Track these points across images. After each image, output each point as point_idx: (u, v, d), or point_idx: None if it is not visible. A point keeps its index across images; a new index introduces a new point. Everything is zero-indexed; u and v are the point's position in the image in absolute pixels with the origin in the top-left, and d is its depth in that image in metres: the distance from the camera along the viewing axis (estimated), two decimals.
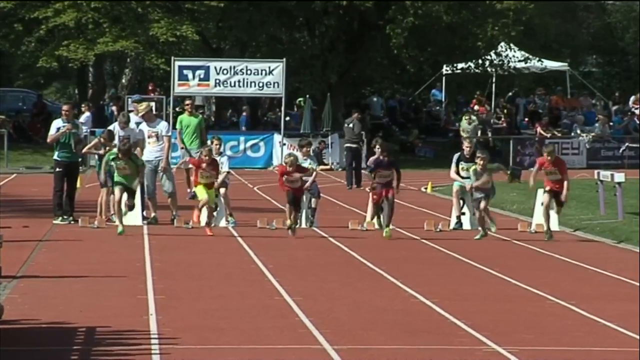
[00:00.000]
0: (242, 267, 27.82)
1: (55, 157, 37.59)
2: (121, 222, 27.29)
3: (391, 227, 30.37)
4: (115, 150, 28.40)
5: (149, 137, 36.39)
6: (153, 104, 48.61)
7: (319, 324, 17.84)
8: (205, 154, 29.09)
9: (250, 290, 23.30)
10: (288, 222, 29.81)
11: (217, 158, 36.24)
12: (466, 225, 36.55)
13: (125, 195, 28.15)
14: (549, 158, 31.90)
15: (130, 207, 28.22)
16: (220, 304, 20.89)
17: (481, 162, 31.26)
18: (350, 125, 60.19)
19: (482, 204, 31.24)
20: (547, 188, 31.80)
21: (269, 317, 19.07)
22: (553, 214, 32.83)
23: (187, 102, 45.18)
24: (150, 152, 36.00)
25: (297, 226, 31.16)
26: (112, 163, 27.55)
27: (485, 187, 31.47)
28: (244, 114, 79.07)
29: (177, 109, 63.83)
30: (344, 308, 20.47)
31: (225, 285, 23.82)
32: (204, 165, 29.28)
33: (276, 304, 20.31)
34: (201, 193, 28.86)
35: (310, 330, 17.64)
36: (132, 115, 41.92)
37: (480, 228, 31.56)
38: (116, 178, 27.79)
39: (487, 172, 31.74)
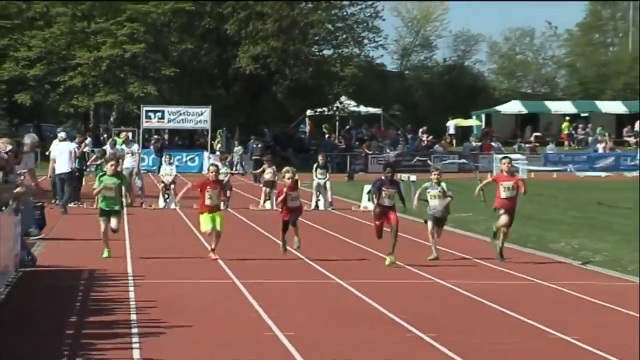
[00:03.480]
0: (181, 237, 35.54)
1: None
2: (108, 247, 27.11)
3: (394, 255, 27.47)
4: (106, 167, 27.93)
5: (127, 153, 48.49)
6: (130, 133, 61.76)
7: None
8: (212, 171, 27.89)
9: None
10: (282, 243, 28.81)
11: (169, 167, 48.89)
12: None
13: (112, 222, 27.34)
14: (507, 170, 29.36)
15: (115, 230, 27.56)
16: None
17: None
18: (254, 145, 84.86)
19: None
20: (502, 211, 29.07)
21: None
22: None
23: (123, 133, 56.99)
24: (128, 162, 47.24)
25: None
26: (102, 179, 26.82)
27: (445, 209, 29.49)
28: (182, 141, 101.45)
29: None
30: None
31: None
32: (210, 181, 27.69)
33: None
34: (205, 223, 27.12)
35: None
36: (117, 139, 56.28)
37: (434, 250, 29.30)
38: (101, 205, 27.20)
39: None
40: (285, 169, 27.61)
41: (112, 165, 24.98)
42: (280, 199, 28.32)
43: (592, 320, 20.55)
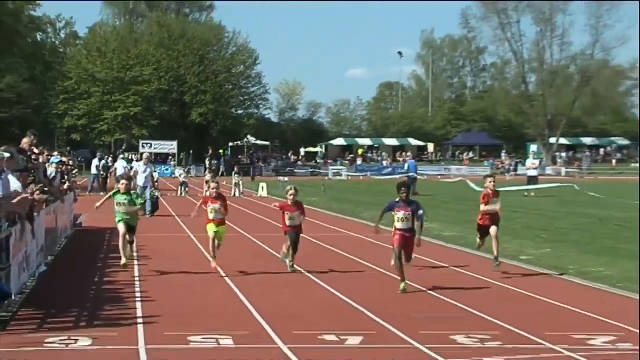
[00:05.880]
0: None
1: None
2: (125, 255, 17.25)
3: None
4: (119, 185, 17.93)
5: (142, 172, 33.36)
6: (147, 153, 41.74)
7: None
8: (213, 187, 17.89)
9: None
10: (287, 260, 17.40)
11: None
12: None
13: (128, 235, 17.68)
14: (493, 186, 17.70)
15: (130, 242, 18.16)
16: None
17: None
18: (208, 160, 75.29)
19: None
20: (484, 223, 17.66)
21: None
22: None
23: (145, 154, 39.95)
24: (141, 180, 32.74)
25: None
26: (115, 197, 17.63)
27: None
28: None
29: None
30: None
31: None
32: (212, 196, 17.73)
33: None
34: (210, 229, 17.29)
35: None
36: (134, 163, 42.63)
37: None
38: (119, 216, 17.57)
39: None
40: (288, 187, 17.66)
41: (123, 184, 17.63)
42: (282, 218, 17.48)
43: None
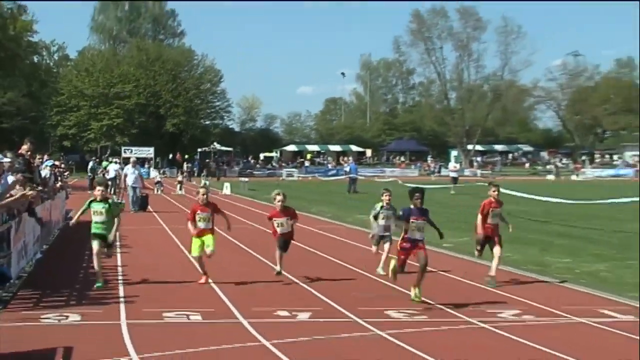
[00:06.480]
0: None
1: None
2: (100, 275, 13.27)
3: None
4: (95, 192, 13.80)
5: (132, 173, 31.72)
6: (135, 158, 35.81)
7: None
8: (202, 193, 13.69)
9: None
10: (278, 267, 13.96)
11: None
12: None
13: (104, 245, 13.56)
14: (496, 195, 14.27)
15: (108, 255, 14.34)
16: None
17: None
18: (186, 163, 79.14)
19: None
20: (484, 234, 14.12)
21: None
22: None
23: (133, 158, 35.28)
24: (130, 180, 31.39)
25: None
26: (91, 205, 13.60)
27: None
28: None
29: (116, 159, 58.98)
30: None
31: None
32: (200, 205, 13.76)
33: None
34: (194, 249, 13.73)
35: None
36: (108, 161, 45.61)
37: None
38: (94, 227, 13.57)
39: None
40: (275, 192, 14.12)
41: (100, 190, 13.73)
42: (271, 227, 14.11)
43: None
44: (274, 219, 14.06)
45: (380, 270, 14.85)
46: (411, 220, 12.02)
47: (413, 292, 12.09)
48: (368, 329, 10.12)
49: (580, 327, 10.53)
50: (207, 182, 45.66)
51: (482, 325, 10.43)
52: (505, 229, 14.20)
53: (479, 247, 14.38)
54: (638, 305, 11.74)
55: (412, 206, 12.18)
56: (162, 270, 15.35)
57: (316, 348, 8.97)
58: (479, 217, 14.12)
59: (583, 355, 8.81)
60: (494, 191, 14.34)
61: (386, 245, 15.05)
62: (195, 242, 13.76)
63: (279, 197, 13.95)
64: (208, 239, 13.75)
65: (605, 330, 10.29)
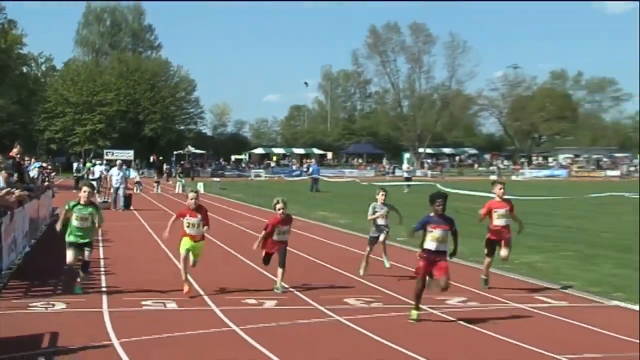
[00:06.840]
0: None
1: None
2: (80, 282, 11.46)
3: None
4: (81, 193, 11.49)
5: (116, 174, 30.52)
6: (120, 161, 33.07)
7: None
8: (192, 197, 11.28)
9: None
10: (279, 283, 11.65)
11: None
12: None
13: (83, 254, 11.51)
14: (502, 193, 12.12)
15: (84, 267, 11.62)
16: None
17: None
18: (165, 165, 78.42)
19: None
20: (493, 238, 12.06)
21: None
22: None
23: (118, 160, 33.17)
24: (115, 181, 30.34)
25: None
26: (75, 209, 11.42)
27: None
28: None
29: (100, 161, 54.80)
30: None
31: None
32: (191, 207, 11.41)
33: None
34: (184, 245, 11.43)
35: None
36: (91, 163, 43.83)
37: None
38: (72, 234, 11.47)
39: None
40: (275, 200, 11.70)
41: (85, 191, 11.49)
42: (264, 233, 11.75)
43: None
44: (277, 226, 11.68)
45: (361, 271, 13.57)
46: (429, 228, 9.59)
47: (414, 313, 9.74)
48: (328, 315, 10.11)
49: (519, 311, 10.56)
50: (183, 182, 48.16)
51: (431, 310, 10.44)
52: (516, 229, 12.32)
53: (486, 250, 12.27)
54: (630, 306, 11.01)
55: (432, 214, 9.71)
56: (141, 263, 15.22)
57: (281, 333, 8.98)
58: (481, 216, 12.17)
59: (522, 337, 8.82)
60: (500, 189, 12.18)
61: (381, 236, 13.39)
62: (186, 240, 11.56)
63: (280, 205, 11.64)
64: (196, 248, 11.59)
65: (541, 315, 10.36)
